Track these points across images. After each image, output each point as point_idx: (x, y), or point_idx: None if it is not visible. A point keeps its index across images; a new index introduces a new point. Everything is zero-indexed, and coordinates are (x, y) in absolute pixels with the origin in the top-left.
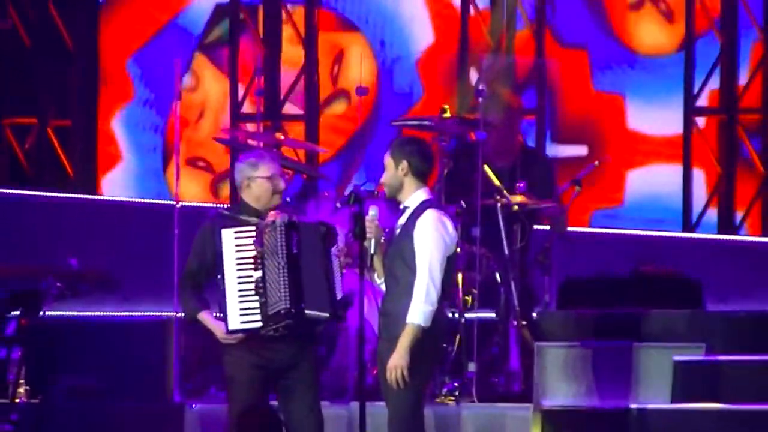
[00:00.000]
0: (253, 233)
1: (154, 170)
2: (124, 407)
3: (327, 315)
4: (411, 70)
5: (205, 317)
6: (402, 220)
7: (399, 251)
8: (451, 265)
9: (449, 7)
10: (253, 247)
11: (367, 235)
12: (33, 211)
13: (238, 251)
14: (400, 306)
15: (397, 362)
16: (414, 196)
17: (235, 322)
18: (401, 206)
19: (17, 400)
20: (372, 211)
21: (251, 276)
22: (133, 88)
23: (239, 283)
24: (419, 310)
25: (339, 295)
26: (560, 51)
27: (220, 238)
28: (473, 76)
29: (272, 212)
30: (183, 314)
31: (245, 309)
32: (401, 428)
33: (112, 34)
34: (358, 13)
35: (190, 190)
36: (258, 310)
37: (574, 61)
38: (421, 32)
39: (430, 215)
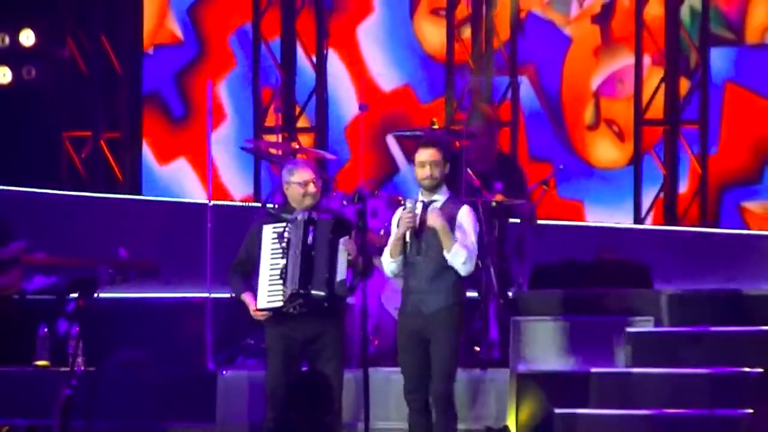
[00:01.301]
0: (283, 228)
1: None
2: (165, 375)
3: (324, 294)
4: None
5: (246, 297)
6: (441, 206)
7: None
8: None
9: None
10: (285, 240)
11: (408, 225)
12: (89, 210)
13: (273, 243)
14: (433, 285)
15: (437, 219)
16: (443, 190)
17: (262, 301)
18: (426, 199)
19: (76, 369)
20: (409, 204)
21: (278, 264)
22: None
23: (271, 269)
24: (461, 254)
25: (339, 278)
26: (530, 164)
27: (261, 233)
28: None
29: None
30: (231, 294)
31: (272, 291)
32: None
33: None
34: None
35: (434, 38)
36: (281, 292)
37: (542, 172)
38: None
39: (468, 207)
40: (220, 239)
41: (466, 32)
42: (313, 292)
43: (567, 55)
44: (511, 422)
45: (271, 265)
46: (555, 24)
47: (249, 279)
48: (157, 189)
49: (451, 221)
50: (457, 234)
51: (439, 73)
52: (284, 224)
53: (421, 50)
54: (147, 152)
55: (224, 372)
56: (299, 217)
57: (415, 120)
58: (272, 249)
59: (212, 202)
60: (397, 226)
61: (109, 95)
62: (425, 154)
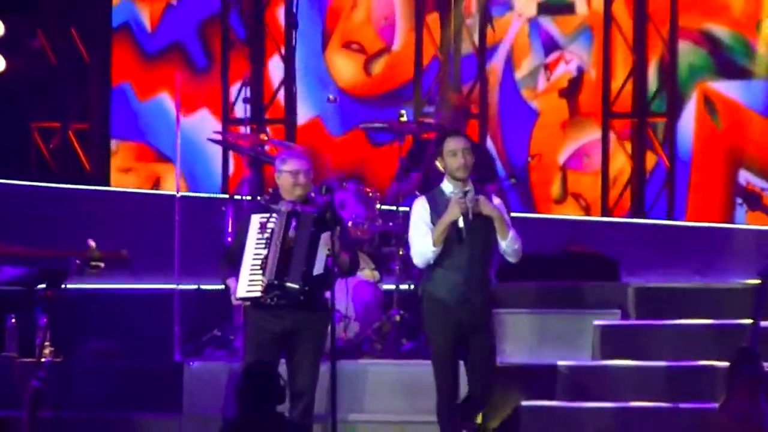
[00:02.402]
0: (267, 218)
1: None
2: (134, 365)
3: (298, 287)
4: None
5: (230, 282)
6: (470, 199)
7: (484, 226)
8: None
9: None
10: (269, 230)
11: (463, 209)
12: (57, 201)
13: (258, 233)
14: (481, 274)
15: (491, 209)
16: (469, 180)
17: (242, 291)
18: (459, 189)
19: (43, 360)
20: (458, 190)
21: (261, 254)
22: None
23: (253, 259)
24: (520, 241)
25: (316, 272)
26: None
27: (249, 222)
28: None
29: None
30: (220, 282)
31: (252, 280)
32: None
33: None
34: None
35: (347, 72)
36: (260, 282)
37: None
38: None
39: (495, 195)
40: (189, 231)
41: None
42: (287, 284)
43: (534, 128)
44: (478, 415)
45: (254, 254)
46: (523, 97)
47: (236, 267)
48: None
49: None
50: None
51: (351, 106)
52: (270, 214)
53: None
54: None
55: (191, 363)
56: (283, 208)
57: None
58: (257, 239)
59: (180, 194)
60: (428, 215)
61: (78, 86)
62: (456, 143)
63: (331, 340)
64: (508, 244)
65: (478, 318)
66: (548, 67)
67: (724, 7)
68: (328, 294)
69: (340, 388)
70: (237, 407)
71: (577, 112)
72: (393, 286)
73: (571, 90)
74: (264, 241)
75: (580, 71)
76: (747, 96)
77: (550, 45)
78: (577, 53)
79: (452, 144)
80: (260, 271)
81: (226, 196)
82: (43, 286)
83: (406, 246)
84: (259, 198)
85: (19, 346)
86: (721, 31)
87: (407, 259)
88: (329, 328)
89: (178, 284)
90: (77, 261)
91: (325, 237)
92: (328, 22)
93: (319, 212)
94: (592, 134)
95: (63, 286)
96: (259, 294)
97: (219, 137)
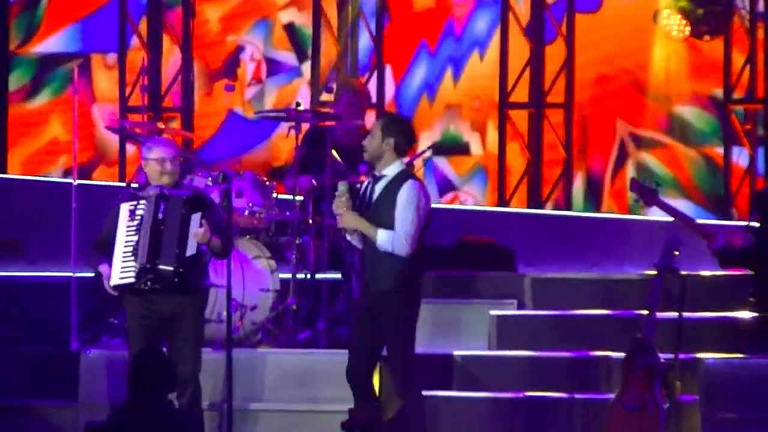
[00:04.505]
0: (135, 205)
1: None
2: (29, 353)
3: (171, 269)
4: None
5: (103, 269)
6: (379, 188)
7: (379, 217)
8: (423, 230)
9: None
10: (138, 216)
11: (338, 211)
12: None
13: (128, 221)
14: (379, 269)
15: (350, 222)
16: (392, 166)
17: (115, 278)
18: (377, 173)
19: None
20: (342, 187)
21: (132, 240)
22: None
23: (124, 246)
24: (390, 239)
25: (189, 254)
26: None
27: (119, 211)
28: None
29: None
30: (92, 270)
31: (124, 267)
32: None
33: None
34: None
35: None
36: (133, 268)
37: None
38: None
39: (413, 184)
40: (85, 218)
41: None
42: (160, 267)
43: None
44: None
45: (126, 242)
46: None
47: (109, 257)
48: None
49: (394, 200)
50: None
51: None
52: (137, 201)
53: None
54: None
55: (88, 351)
56: (151, 193)
57: None
58: (127, 226)
59: (77, 182)
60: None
61: None
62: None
63: (227, 329)
64: (379, 247)
65: (378, 311)
66: None
67: None
68: (217, 281)
69: (237, 377)
70: (126, 395)
71: None
72: (289, 275)
73: None
74: (134, 228)
75: None
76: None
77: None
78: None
79: (374, 128)
80: (132, 258)
81: (123, 184)
82: None
83: (303, 236)
84: (132, 186)
85: None
86: None
87: (304, 248)
88: (211, 313)
89: (74, 272)
90: None
91: (195, 218)
92: None
93: (187, 195)
94: None
95: None
96: (133, 280)
97: (116, 125)
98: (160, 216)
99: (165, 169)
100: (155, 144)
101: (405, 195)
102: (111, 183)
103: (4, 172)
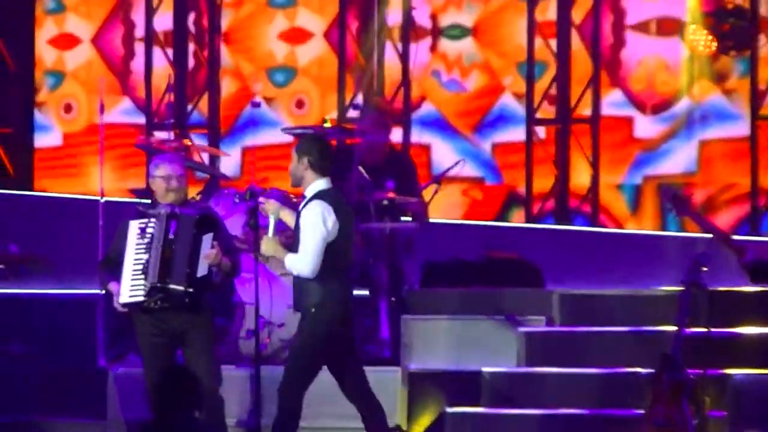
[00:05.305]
0: (145, 223)
1: None
2: (58, 370)
3: (182, 289)
4: None
5: (112, 287)
6: (301, 208)
7: (298, 235)
8: (337, 249)
9: None
10: (149, 235)
11: (267, 214)
12: None
13: (137, 238)
14: (297, 290)
15: (267, 249)
16: (312, 186)
17: (124, 296)
18: (305, 195)
19: None
20: (271, 207)
21: (142, 258)
22: None
23: (134, 264)
24: (291, 262)
25: (201, 274)
26: None
27: (127, 229)
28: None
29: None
30: (101, 288)
31: (134, 285)
32: (285, 386)
33: None
34: None
35: None
36: (142, 287)
37: None
38: None
39: (313, 204)
40: (113, 235)
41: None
42: (171, 286)
43: None
44: (402, 421)
45: (135, 260)
46: None
47: (117, 275)
48: None
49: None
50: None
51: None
52: (148, 219)
53: None
54: None
55: (115, 369)
56: (162, 211)
57: None
58: (137, 244)
59: (104, 199)
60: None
61: (0, 91)
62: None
63: (255, 345)
64: None
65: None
66: None
67: None
68: (245, 298)
69: (264, 394)
70: (150, 413)
71: None
72: None
73: None
74: (144, 246)
75: None
76: None
77: None
78: None
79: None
80: (142, 276)
81: (149, 201)
82: None
83: None
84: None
85: None
86: None
87: None
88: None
89: (102, 289)
90: (1, 266)
91: (207, 239)
92: None
93: (199, 214)
94: None
95: None
96: (142, 298)
97: (143, 142)
98: (171, 235)
99: (170, 187)
100: (161, 161)
101: (304, 216)
102: (138, 200)
103: (32, 189)
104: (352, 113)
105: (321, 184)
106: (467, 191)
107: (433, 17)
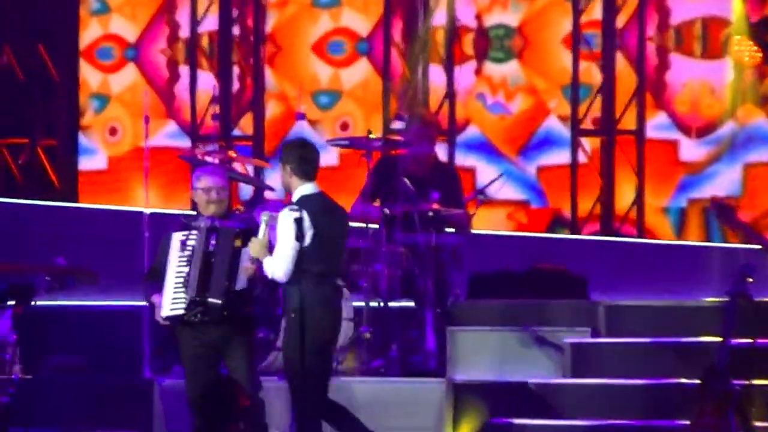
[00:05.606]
0: (186, 236)
1: None
2: (103, 382)
3: (220, 302)
4: None
5: (155, 299)
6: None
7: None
8: (317, 255)
9: None
10: (190, 247)
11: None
12: (26, 217)
13: (179, 251)
14: (285, 288)
15: (255, 251)
16: (296, 192)
17: (166, 309)
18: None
19: (13, 376)
20: (264, 217)
21: (183, 271)
22: None
23: (176, 277)
24: (266, 266)
25: (239, 287)
26: None
27: (170, 241)
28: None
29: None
30: (145, 300)
31: (175, 299)
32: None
33: None
34: None
35: None
36: (183, 300)
37: None
38: None
39: (287, 210)
40: (158, 247)
41: None
42: (209, 300)
43: None
44: None
45: (177, 273)
46: None
47: (161, 287)
48: None
49: None
50: None
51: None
52: (189, 232)
53: None
54: None
55: (161, 380)
56: (203, 224)
57: None
58: (179, 257)
59: (149, 210)
60: None
61: (46, 103)
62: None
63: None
64: None
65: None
66: None
67: None
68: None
69: None
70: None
71: None
72: (362, 303)
73: None
74: (186, 259)
75: None
76: None
77: None
78: None
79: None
80: (183, 289)
81: (195, 213)
82: (12, 302)
83: (375, 263)
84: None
85: None
86: None
87: (376, 276)
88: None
89: (146, 301)
90: (47, 277)
91: (246, 252)
92: None
93: (239, 227)
94: None
95: (32, 302)
96: (182, 312)
97: (188, 154)
98: (211, 248)
99: (211, 199)
100: (203, 173)
101: (278, 221)
102: (183, 211)
103: (76, 201)
104: (397, 124)
105: (305, 189)
106: (512, 215)
107: (478, 17)
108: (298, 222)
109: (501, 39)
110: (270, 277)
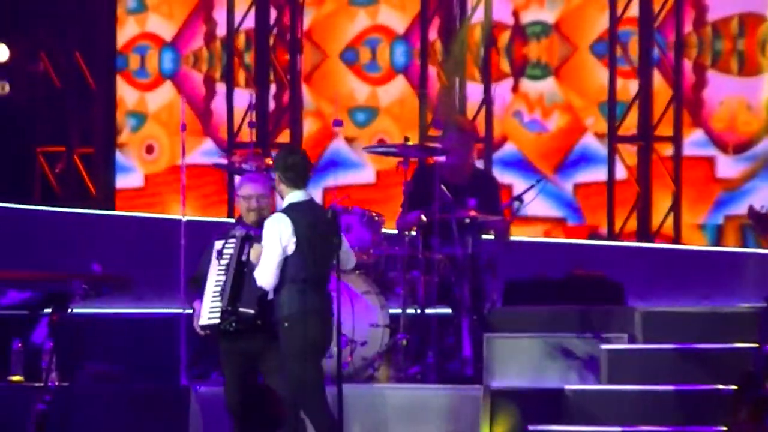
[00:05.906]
0: (223, 244)
1: None
2: (139, 390)
3: (252, 312)
4: None
5: (195, 306)
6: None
7: None
8: (302, 262)
9: None
10: (227, 256)
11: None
12: (63, 225)
13: (218, 259)
14: (275, 297)
15: (254, 257)
16: (285, 199)
17: (204, 318)
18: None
19: (50, 384)
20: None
21: (221, 280)
22: None
23: (215, 285)
24: (255, 274)
25: (272, 296)
26: None
27: (212, 248)
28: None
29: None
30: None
31: (213, 308)
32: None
33: None
34: None
35: None
36: (220, 309)
37: None
38: None
39: (271, 218)
40: (195, 255)
41: None
42: (241, 309)
43: None
44: None
45: (216, 281)
46: None
47: (202, 294)
48: None
49: None
50: None
51: None
52: (230, 240)
53: None
54: None
55: (198, 388)
56: (237, 233)
57: None
58: (218, 266)
59: (186, 218)
60: None
61: (82, 110)
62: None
63: (337, 364)
64: None
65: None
66: None
67: None
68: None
69: (347, 412)
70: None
71: None
72: (399, 310)
73: None
74: (224, 268)
75: None
76: None
77: None
78: None
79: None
80: (219, 298)
81: (233, 220)
82: (48, 310)
83: (412, 270)
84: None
85: (24, 370)
86: None
87: (413, 283)
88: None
89: (184, 309)
90: (83, 285)
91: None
92: None
93: None
94: None
95: (69, 309)
96: (218, 321)
97: (225, 161)
98: (244, 258)
99: (251, 206)
100: (245, 180)
101: (264, 230)
102: (219, 219)
103: (113, 209)
104: (435, 132)
105: (294, 196)
106: (549, 232)
107: (515, 14)
108: (281, 231)
109: (537, 35)
110: (258, 285)
